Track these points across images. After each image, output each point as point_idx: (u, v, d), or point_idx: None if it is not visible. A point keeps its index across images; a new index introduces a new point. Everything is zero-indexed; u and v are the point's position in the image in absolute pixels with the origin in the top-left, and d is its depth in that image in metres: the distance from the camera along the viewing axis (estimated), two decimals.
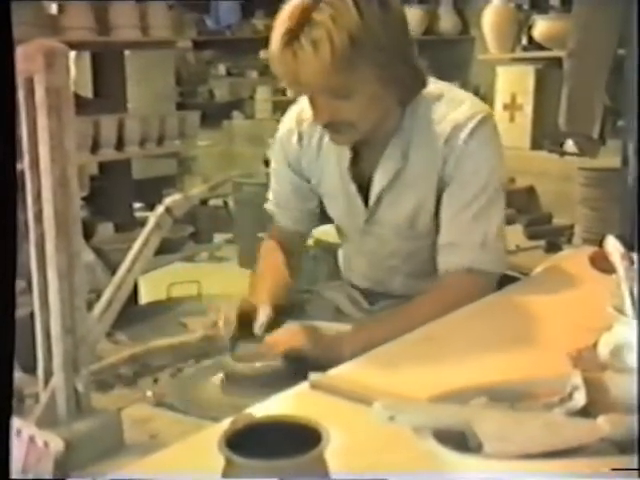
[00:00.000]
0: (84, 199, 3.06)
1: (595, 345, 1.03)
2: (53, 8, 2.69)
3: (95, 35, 2.67)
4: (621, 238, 1.14)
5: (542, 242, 2.71)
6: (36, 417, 0.96)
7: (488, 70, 3.98)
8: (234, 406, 1.04)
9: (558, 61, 2.86)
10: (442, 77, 1.54)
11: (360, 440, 0.87)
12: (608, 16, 2.43)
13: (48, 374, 0.98)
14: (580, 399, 0.82)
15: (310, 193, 1.65)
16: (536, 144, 3.38)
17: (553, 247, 2.63)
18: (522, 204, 3.14)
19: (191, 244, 3.19)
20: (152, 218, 1.06)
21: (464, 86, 4.46)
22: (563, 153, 2.98)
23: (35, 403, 1.02)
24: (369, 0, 1.30)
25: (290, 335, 1.33)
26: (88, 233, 2.71)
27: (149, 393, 1.24)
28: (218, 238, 4.22)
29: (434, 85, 1.49)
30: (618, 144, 2.62)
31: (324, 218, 1.71)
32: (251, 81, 6.74)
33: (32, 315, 0.99)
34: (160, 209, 1.06)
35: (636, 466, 0.70)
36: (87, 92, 3.07)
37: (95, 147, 2.62)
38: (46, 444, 0.91)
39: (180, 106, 5.94)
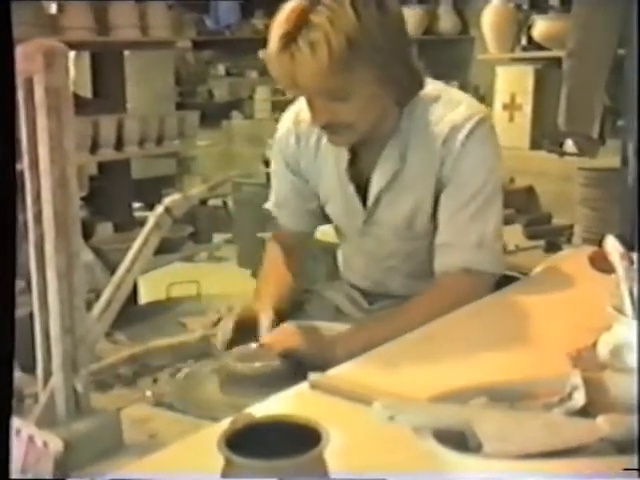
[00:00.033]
0: (83, 199, 3.05)
1: (595, 345, 1.03)
2: (53, 8, 2.69)
3: (94, 35, 2.67)
4: (621, 238, 1.14)
5: (541, 242, 2.70)
6: (35, 417, 0.96)
7: (487, 70, 3.98)
8: (234, 406, 1.05)
9: (557, 61, 2.86)
10: (441, 77, 1.54)
11: (360, 440, 0.87)
12: (608, 16, 2.42)
13: (47, 374, 0.99)
14: (580, 399, 0.82)
15: (310, 193, 1.65)
16: (535, 144, 3.38)
17: (553, 247, 2.63)
18: (521, 204, 3.13)
19: (190, 244, 3.19)
20: (151, 218, 1.06)
21: (464, 86, 4.47)
22: (562, 153, 2.98)
23: (34, 403, 1.02)
24: (366, 2, 1.30)
25: (285, 335, 1.34)
26: (87, 233, 2.71)
27: (148, 393, 1.24)
28: (217, 238, 4.21)
29: (431, 86, 1.49)
30: (618, 144, 2.61)
31: (324, 218, 1.71)
32: (250, 81, 6.74)
33: (31, 315, 0.99)
34: (159, 209, 1.06)
35: (636, 466, 0.70)
36: (86, 92, 3.07)
37: (94, 147, 2.63)
38: (45, 444, 0.91)
39: (179, 106, 5.94)
